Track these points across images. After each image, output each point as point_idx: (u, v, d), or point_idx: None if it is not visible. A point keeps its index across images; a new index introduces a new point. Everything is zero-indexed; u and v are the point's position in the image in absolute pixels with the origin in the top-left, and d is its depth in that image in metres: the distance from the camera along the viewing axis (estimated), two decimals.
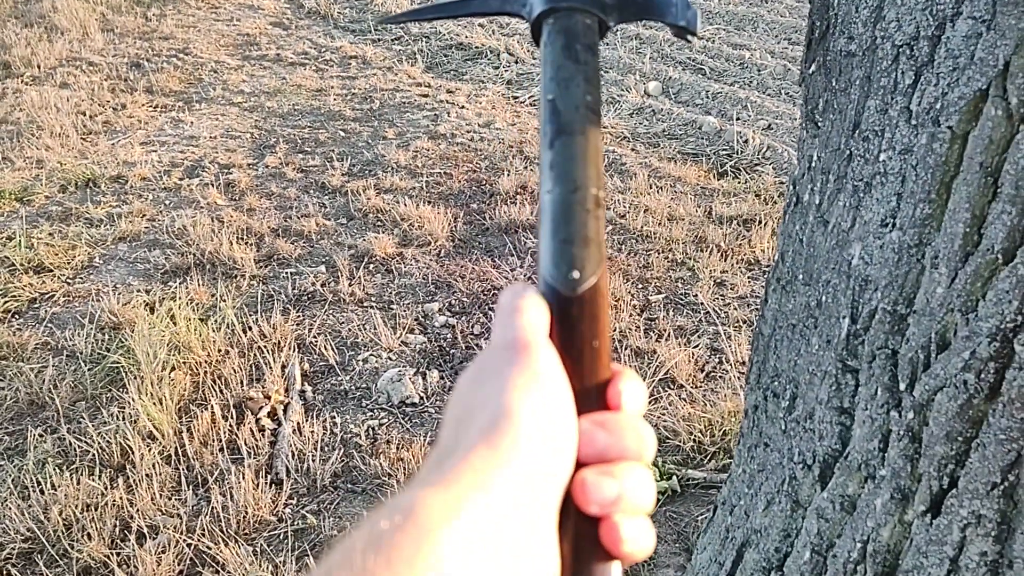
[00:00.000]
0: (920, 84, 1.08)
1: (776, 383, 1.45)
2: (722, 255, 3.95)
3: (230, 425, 2.76)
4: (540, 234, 0.50)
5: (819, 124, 1.32)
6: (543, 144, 0.52)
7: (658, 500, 2.51)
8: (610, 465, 0.45)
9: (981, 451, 1.06)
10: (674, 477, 2.56)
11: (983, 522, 1.07)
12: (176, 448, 2.66)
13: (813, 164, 1.34)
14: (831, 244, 1.28)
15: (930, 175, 1.07)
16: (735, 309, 3.51)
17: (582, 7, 0.57)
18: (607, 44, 7.57)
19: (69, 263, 3.82)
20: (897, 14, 1.10)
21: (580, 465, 0.44)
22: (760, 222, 4.24)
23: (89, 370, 3.05)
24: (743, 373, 2.98)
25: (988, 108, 0.99)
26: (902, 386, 1.15)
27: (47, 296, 3.56)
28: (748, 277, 3.78)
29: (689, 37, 0.65)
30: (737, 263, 3.90)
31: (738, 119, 5.81)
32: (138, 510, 2.42)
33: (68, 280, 3.69)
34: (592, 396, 0.47)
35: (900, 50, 1.10)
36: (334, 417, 2.88)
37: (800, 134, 1.42)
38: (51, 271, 3.74)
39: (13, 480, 2.54)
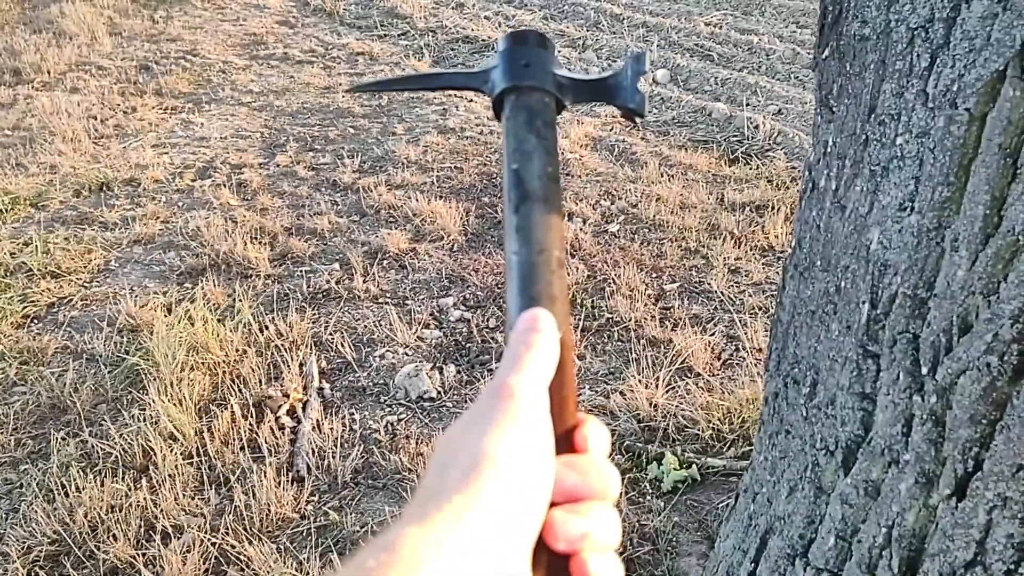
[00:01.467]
0: (936, 66, 1.07)
1: (796, 370, 1.45)
2: (736, 242, 3.93)
3: (250, 424, 2.78)
4: (508, 292, 0.54)
5: (834, 109, 1.32)
6: (508, 209, 0.56)
7: (678, 489, 2.51)
8: (578, 504, 0.48)
9: (1006, 433, 1.06)
10: (694, 465, 2.56)
11: (1009, 504, 1.07)
12: (197, 448, 2.68)
13: (829, 149, 1.34)
14: (849, 229, 1.27)
15: (948, 158, 1.06)
16: (750, 296, 3.50)
17: (541, 87, 0.62)
18: (615, 33, 7.55)
19: (86, 267, 3.84)
20: None
21: (551, 505, 0.47)
22: (773, 208, 4.22)
23: (109, 372, 3.08)
24: (760, 360, 2.97)
25: (1006, 89, 0.99)
26: (924, 370, 1.14)
27: (65, 300, 3.59)
28: (763, 264, 3.77)
29: (636, 119, 0.71)
30: (751, 250, 3.89)
31: (748, 105, 5.78)
32: (162, 510, 2.44)
33: (85, 284, 3.72)
34: (560, 441, 0.50)
35: (915, 33, 1.10)
36: (353, 414, 2.89)
37: (814, 119, 1.41)
38: (68, 275, 3.76)
39: (38, 484, 2.57)
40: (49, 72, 6.60)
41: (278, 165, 4.98)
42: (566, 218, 4.20)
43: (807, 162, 1.45)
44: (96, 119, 5.70)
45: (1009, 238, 1.01)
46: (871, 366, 1.24)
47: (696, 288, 3.61)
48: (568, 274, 3.64)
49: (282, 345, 3.19)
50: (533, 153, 0.58)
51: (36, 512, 2.42)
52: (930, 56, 1.08)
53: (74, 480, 2.52)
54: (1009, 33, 0.97)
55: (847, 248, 1.28)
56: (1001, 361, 1.05)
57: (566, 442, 0.51)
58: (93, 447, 2.70)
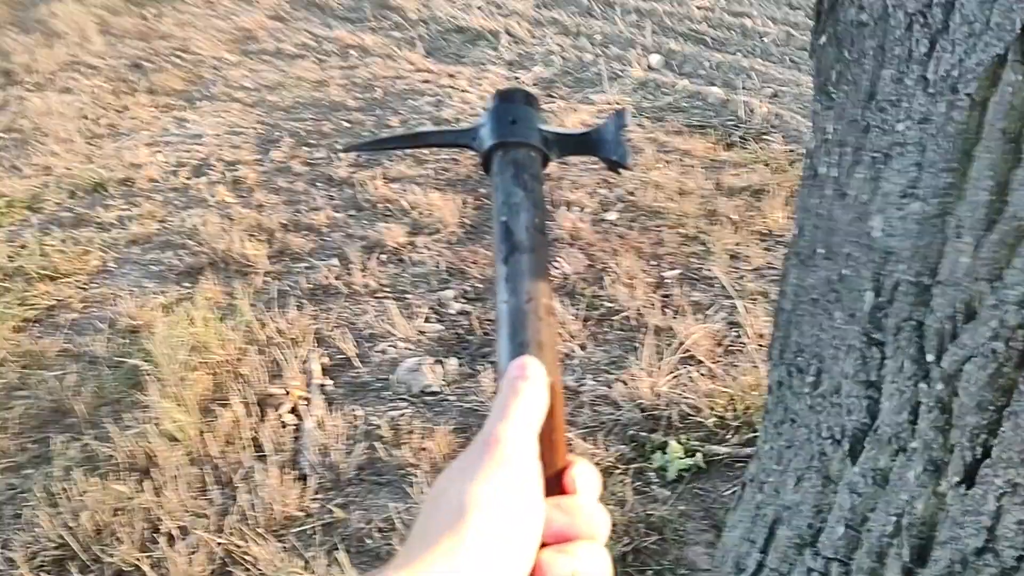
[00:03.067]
0: (936, 52, 1.06)
1: (800, 359, 1.44)
2: (735, 227, 3.92)
3: (252, 423, 2.78)
4: (498, 339, 0.55)
5: (833, 96, 1.31)
6: (498, 259, 0.59)
7: (683, 477, 2.51)
8: (566, 544, 0.50)
9: (1013, 419, 1.05)
10: (698, 454, 2.56)
11: (1019, 490, 1.06)
12: (200, 448, 2.68)
13: (828, 136, 1.33)
14: (851, 217, 1.26)
15: (950, 144, 1.05)
16: (751, 282, 3.49)
17: (527, 143, 0.65)
18: (607, 19, 7.51)
19: (83, 268, 3.83)
20: None
21: (541, 545, 0.49)
22: (771, 192, 4.21)
23: (110, 374, 3.07)
24: (762, 346, 2.97)
25: (1007, 73, 0.98)
26: (930, 357, 1.14)
27: (64, 303, 3.58)
28: (762, 248, 3.76)
29: (620, 170, 0.74)
30: (750, 235, 3.88)
31: (743, 88, 5.76)
32: (166, 512, 2.44)
33: (83, 286, 3.71)
34: (551, 483, 0.52)
35: (913, 18, 1.08)
36: (355, 410, 2.88)
37: (813, 106, 1.40)
38: (66, 278, 3.75)
39: (41, 488, 2.56)
40: (40, 72, 6.57)
41: (273, 161, 4.97)
42: (564, 208, 4.19)
43: (806, 149, 1.44)
44: (89, 119, 5.68)
45: (1013, 224, 1.00)
46: (875, 354, 1.23)
47: (696, 275, 3.60)
48: (568, 263, 3.64)
49: (283, 342, 3.18)
50: (521, 206, 0.61)
51: (40, 517, 2.41)
52: (929, 41, 1.07)
53: (77, 484, 2.51)
54: (1008, 17, 0.96)
55: (849, 236, 1.27)
56: (1007, 347, 1.04)
57: (556, 484, 0.52)
58: (95, 450, 2.70)
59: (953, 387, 1.11)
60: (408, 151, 4.93)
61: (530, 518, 0.48)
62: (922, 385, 1.15)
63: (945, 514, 1.15)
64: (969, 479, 1.11)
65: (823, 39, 1.33)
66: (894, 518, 1.21)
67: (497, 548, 0.45)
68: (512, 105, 0.68)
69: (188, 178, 4.77)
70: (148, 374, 2.99)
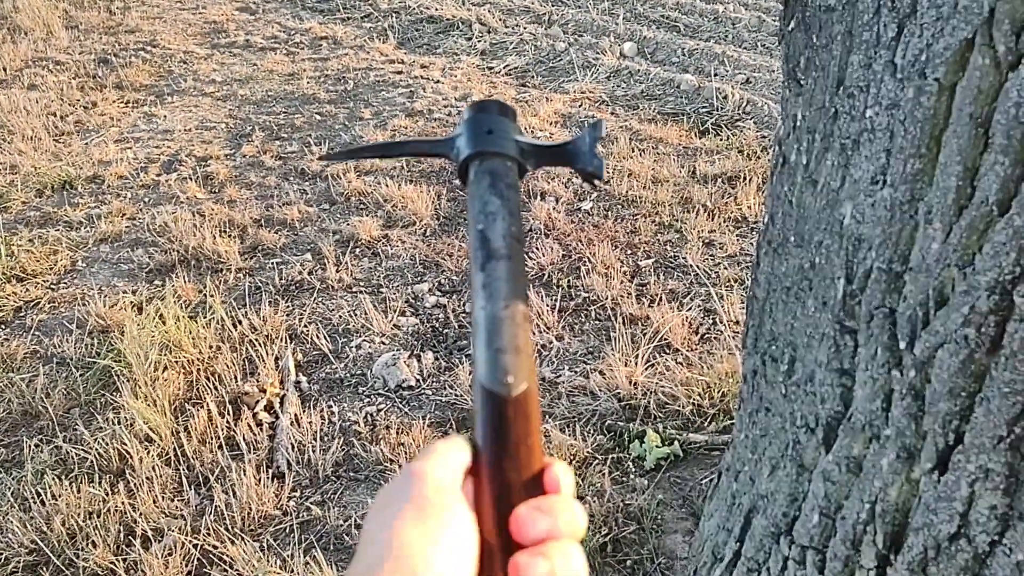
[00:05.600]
0: (904, 36, 1.05)
1: (774, 347, 1.44)
2: (709, 215, 3.93)
3: (227, 421, 2.75)
4: (475, 344, 0.56)
5: (802, 82, 1.30)
6: (475, 266, 0.60)
7: (661, 466, 2.51)
8: (542, 546, 0.50)
9: (985, 405, 1.05)
10: (676, 442, 2.56)
11: (991, 476, 1.06)
12: (174, 449, 2.64)
13: (798, 123, 1.32)
14: (821, 204, 1.26)
15: (919, 129, 1.05)
16: (725, 268, 3.50)
17: (503, 153, 0.66)
18: (580, 7, 7.49)
19: (52, 268, 3.77)
20: None
21: (519, 547, 0.50)
22: (745, 178, 4.22)
23: (81, 376, 3.03)
24: (738, 333, 2.97)
25: (975, 57, 0.97)
26: (902, 344, 1.13)
27: (32, 303, 3.52)
28: (736, 235, 3.77)
29: (594, 182, 0.74)
30: (724, 222, 3.88)
31: (716, 75, 5.76)
32: (141, 514, 2.40)
33: (52, 286, 3.65)
34: (528, 486, 0.53)
35: (881, 2, 1.07)
36: (331, 406, 2.86)
37: (783, 93, 1.39)
38: (34, 278, 3.69)
39: (13, 493, 2.52)
40: (5, 69, 6.46)
41: (244, 156, 4.91)
42: (539, 198, 4.17)
43: (777, 136, 1.43)
44: (56, 116, 5.59)
45: (983, 209, 1.00)
46: (848, 342, 1.23)
47: (671, 263, 3.60)
48: (544, 254, 3.62)
49: (256, 339, 3.15)
50: (497, 214, 0.62)
51: (12, 522, 2.38)
52: (897, 26, 1.06)
53: (50, 487, 2.47)
54: (976, 1, 0.95)
55: (820, 223, 1.26)
56: (979, 333, 1.04)
57: (536, 486, 0.53)
58: (68, 453, 2.66)
59: (926, 374, 1.11)
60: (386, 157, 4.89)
61: (455, 557, 0.48)
62: (895, 372, 1.15)
63: (918, 501, 1.15)
64: (942, 465, 1.11)
65: (792, 25, 1.32)
66: (868, 505, 1.21)
67: None
68: (488, 115, 0.69)
69: (158, 174, 4.70)
70: (120, 374, 2.94)
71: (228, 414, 2.78)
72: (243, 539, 2.33)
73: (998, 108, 0.95)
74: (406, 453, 2.60)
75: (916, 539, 1.16)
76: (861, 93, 1.13)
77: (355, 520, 2.40)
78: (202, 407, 2.79)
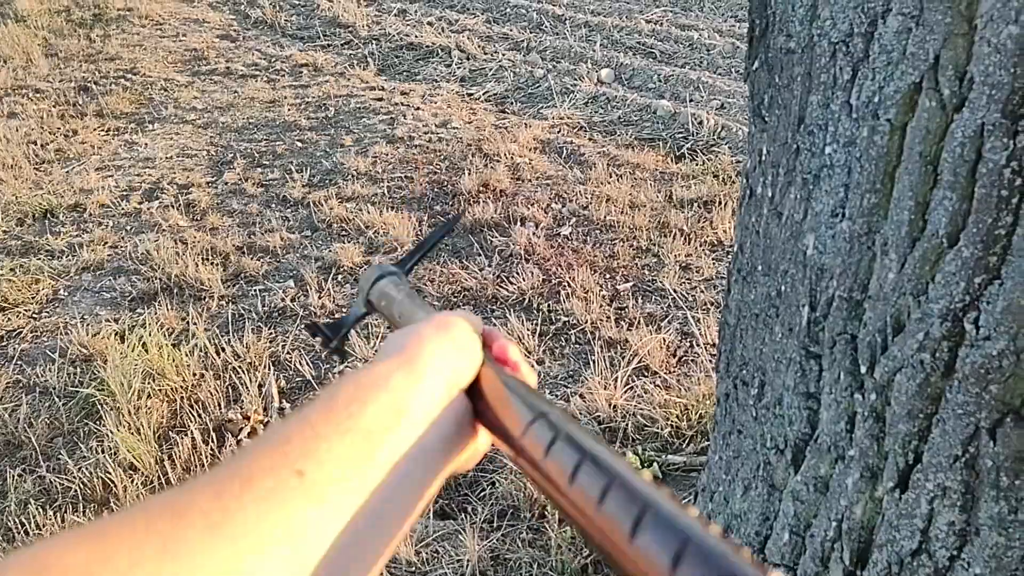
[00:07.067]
0: (858, 79, 1.12)
1: (744, 371, 1.49)
2: (685, 239, 4.00)
3: (211, 449, 2.77)
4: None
5: (766, 119, 1.36)
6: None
7: None
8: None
9: (941, 426, 1.11)
10: (655, 464, 2.61)
11: (948, 493, 1.12)
12: (159, 476, 2.66)
13: (763, 158, 1.38)
14: (786, 235, 1.32)
15: (874, 166, 1.11)
16: (702, 292, 3.57)
17: (389, 272, 0.86)
18: (558, 34, 7.59)
19: (34, 298, 3.78)
20: (831, 12, 1.14)
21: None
22: (720, 203, 4.30)
23: (64, 405, 3.04)
24: (715, 355, 3.03)
25: (923, 100, 1.03)
26: (863, 369, 1.19)
27: (14, 333, 3.53)
28: (712, 259, 3.84)
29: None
30: (701, 246, 3.96)
31: (691, 101, 5.86)
32: None
33: (34, 315, 3.66)
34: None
35: (836, 47, 1.14)
36: None
37: (749, 128, 1.46)
38: (15, 307, 3.70)
39: None
40: None
41: (226, 183, 4.94)
42: (519, 224, 4.23)
43: (744, 169, 1.50)
44: (36, 144, 5.60)
45: (934, 241, 1.06)
46: (814, 366, 1.28)
47: (649, 287, 3.66)
48: (524, 278, 3.67)
49: (240, 367, 3.17)
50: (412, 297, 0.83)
51: None
52: (852, 69, 1.13)
53: (34, 517, 2.48)
54: (923, 47, 1.01)
55: (785, 253, 1.32)
56: (933, 358, 1.10)
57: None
58: (51, 482, 2.67)
59: (886, 397, 1.17)
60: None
61: (464, 360, 0.57)
62: (857, 396, 1.21)
63: (882, 518, 1.20)
64: (903, 484, 1.17)
65: (756, 64, 1.39)
66: (835, 523, 1.26)
67: (444, 358, 0.55)
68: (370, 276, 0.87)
69: (140, 202, 4.73)
70: (103, 403, 2.96)
71: (212, 441, 2.80)
72: None
73: (945, 147, 1.02)
74: None
75: (880, 555, 1.21)
76: (820, 131, 1.20)
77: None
78: (186, 435, 2.80)
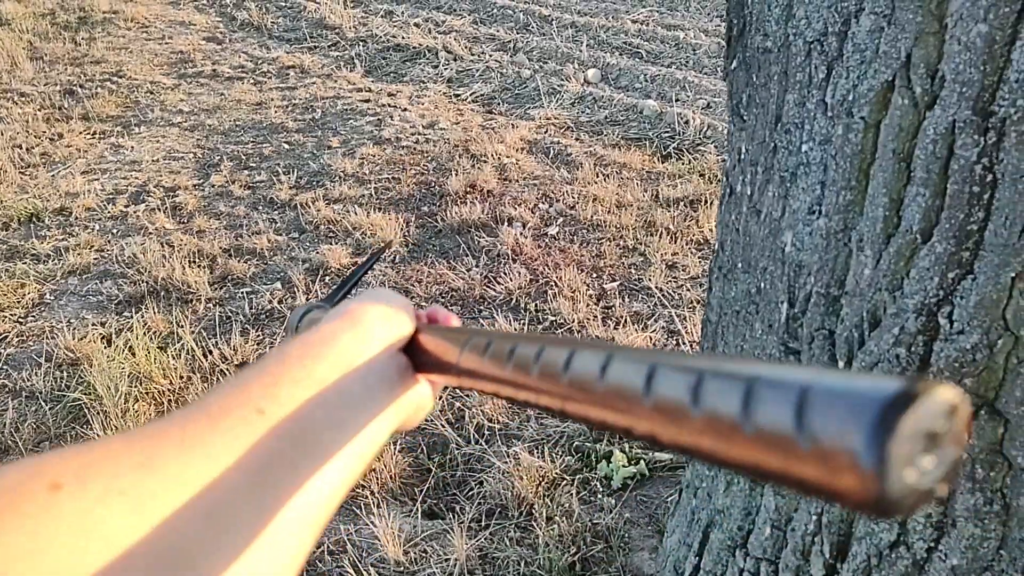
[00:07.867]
0: (832, 77, 1.13)
1: None
2: (672, 238, 4.02)
3: None
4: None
5: (744, 118, 1.38)
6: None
7: (628, 485, 2.57)
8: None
9: None
10: (641, 461, 2.62)
11: None
12: None
13: (742, 156, 1.40)
14: (765, 233, 1.33)
15: (849, 164, 1.12)
16: (688, 290, 3.58)
17: (317, 306, 0.90)
18: (544, 35, 7.61)
19: (19, 302, 3.77)
20: (806, 12, 1.16)
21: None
22: (706, 202, 4.32)
23: (50, 409, 3.03)
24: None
25: (895, 98, 1.05)
26: (841, 364, 1.20)
27: (0, 338, 3.51)
28: (699, 257, 3.86)
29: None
30: (687, 244, 3.98)
31: (677, 100, 5.89)
32: None
33: (20, 319, 3.65)
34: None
35: (811, 46, 1.16)
36: None
37: (728, 127, 1.47)
38: (1, 311, 3.69)
39: None
40: None
41: (213, 186, 4.94)
42: (507, 224, 4.24)
43: (724, 168, 1.51)
44: (21, 148, 5.58)
45: (908, 237, 1.07)
46: (793, 362, 1.30)
47: (636, 286, 3.68)
48: (511, 278, 3.69)
49: (227, 369, 3.17)
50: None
51: None
52: (826, 68, 1.14)
53: None
54: (895, 46, 1.03)
55: (764, 251, 1.34)
56: (909, 352, 1.11)
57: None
58: None
59: None
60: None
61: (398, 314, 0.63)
62: None
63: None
64: None
65: (734, 64, 1.41)
66: (815, 517, 1.28)
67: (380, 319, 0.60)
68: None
69: (126, 206, 4.72)
70: (90, 407, 2.95)
71: None
72: None
73: (918, 144, 1.03)
74: (378, 479, 2.63)
75: (860, 548, 1.22)
76: (797, 129, 1.21)
77: (328, 546, 2.43)
78: None
